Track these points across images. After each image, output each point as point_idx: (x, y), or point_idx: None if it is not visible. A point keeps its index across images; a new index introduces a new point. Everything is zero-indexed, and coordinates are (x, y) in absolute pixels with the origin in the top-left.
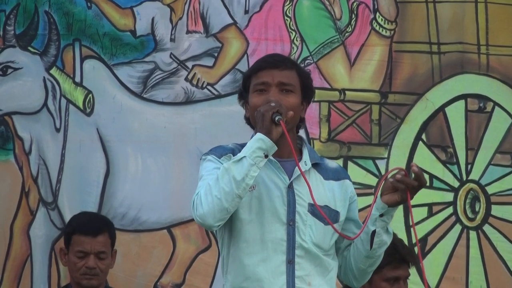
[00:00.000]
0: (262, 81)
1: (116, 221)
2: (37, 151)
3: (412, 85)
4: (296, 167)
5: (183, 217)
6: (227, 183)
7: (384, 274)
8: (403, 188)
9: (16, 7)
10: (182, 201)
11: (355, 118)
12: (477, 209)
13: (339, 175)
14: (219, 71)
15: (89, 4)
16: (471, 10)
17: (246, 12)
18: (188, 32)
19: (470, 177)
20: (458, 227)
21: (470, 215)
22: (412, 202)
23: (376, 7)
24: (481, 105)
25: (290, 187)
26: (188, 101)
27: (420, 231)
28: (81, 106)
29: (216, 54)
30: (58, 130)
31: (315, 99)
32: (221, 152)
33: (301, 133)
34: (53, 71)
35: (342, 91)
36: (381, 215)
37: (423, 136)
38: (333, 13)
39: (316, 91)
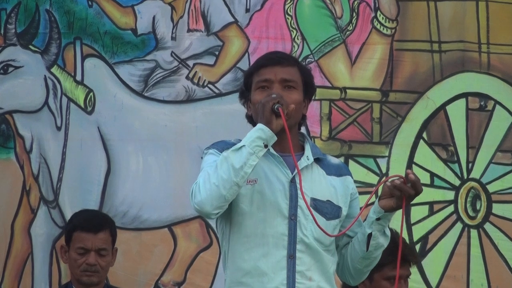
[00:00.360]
0: (265, 78)
1: (117, 219)
2: (38, 149)
3: (413, 83)
4: (298, 162)
5: (184, 216)
6: (226, 170)
7: (385, 272)
8: (399, 195)
9: (17, 5)
10: (183, 199)
11: (356, 116)
12: (478, 207)
13: (341, 171)
14: (220, 69)
15: (90, 3)
16: (472, 8)
17: (247, 10)
18: (189, 30)
19: (471, 176)
20: (459, 226)
21: (471, 213)
22: (413, 200)
23: (377, 5)
24: (482, 103)
25: (292, 182)
26: (189, 99)
27: (421, 229)
28: (82, 104)
29: (217, 53)
30: (59, 128)
31: (316, 98)
32: (222, 146)
33: (302, 131)
34: (54, 69)
35: (343, 89)
36: (377, 219)
37: (424, 135)
38: (334, 12)
39: (317, 89)
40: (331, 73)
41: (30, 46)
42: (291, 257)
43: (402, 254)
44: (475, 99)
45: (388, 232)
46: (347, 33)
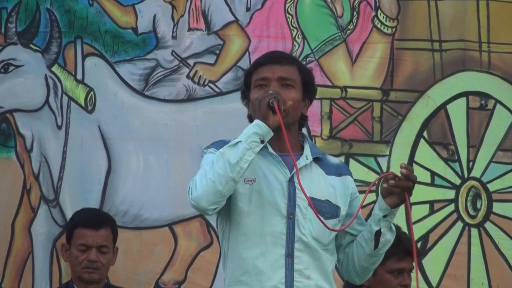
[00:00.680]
0: (263, 76)
1: (118, 218)
2: (38, 148)
3: (414, 82)
4: (297, 161)
5: (184, 215)
6: (222, 166)
7: (389, 266)
8: (399, 191)
9: (18, 4)
10: (184, 198)
11: (357, 115)
12: (478, 206)
13: (341, 171)
14: (221, 68)
15: (90, 2)
16: (473, 7)
17: (248, 9)
18: (189, 29)
19: (472, 175)
20: (459, 225)
21: (471, 212)
22: (414, 199)
23: (377, 4)
24: (483, 102)
25: (291, 181)
26: (190, 98)
27: (421, 228)
28: (82, 103)
29: (217, 52)
30: (59, 127)
31: (317, 97)
32: (222, 145)
33: (303, 130)
34: (55, 68)
35: (344, 88)
36: (384, 216)
37: (425, 134)
38: (334, 11)
39: (318, 88)
40: (332, 72)
41: (31, 45)
42: (289, 255)
43: (405, 246)
44: (475, 98)
45: (394, 228)
46: (348, 32)
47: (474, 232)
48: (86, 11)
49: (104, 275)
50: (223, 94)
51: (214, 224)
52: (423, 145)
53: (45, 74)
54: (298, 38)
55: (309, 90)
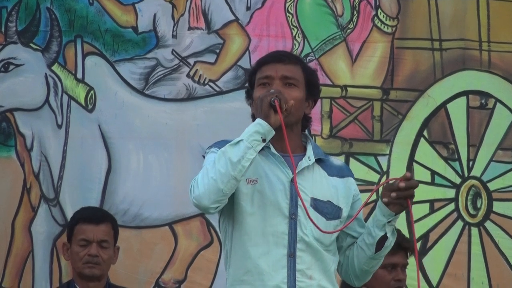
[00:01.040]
0: (266, 75)
1: (118, 217)
2: (38, 147)
3: (414, 81)
4: (300, 162)
5: (185, 214)
6: (223, 165)
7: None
8: (401, 202)
9: (18, 3)
10: (184, 197)
11: (357, 114)
12: (478, 205)
13: (343, 172)
14: (221, 67)
15: (91, 1)
16: (473, 6)
17: (248, 8)
18: (190, 28)
19: (472, 174)
20: (459, 224)
21: (471, 211)
22: (414, 198)
23: (377, 3)
24: (483, 101)
25: (293, 181)
26: (190, 97)
27: (421, 227)
28: (82, 102)
29: (218, 51)
30: (59, 126)
31: None
32: (224, 145)
33: None
34: (55, 67)
35: (344, 87)
36: (389, 221)
37: (425, 133)
38: (334, 10)
39: None
40: (332, 71)
41: (31, 44)
42: (291, 255)
43: (396, 242)
44: (475, 97)
45: (395, 231)
46: (348, 31)
47: (474, 231)
48: (86, 10)
49: (105, 271)
50: (223, 93)
51: (214, 223)
52: (423, 144)
53: (45, 73)
54: (298, 37)
55: (312, 90)
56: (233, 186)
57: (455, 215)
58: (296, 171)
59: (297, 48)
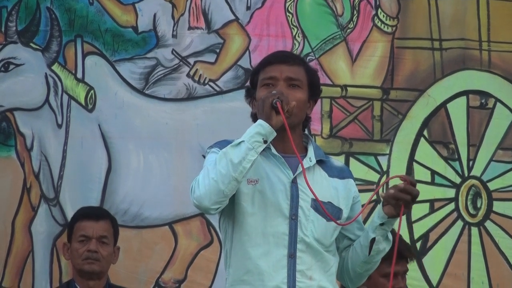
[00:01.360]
0: (270, 75)
1: (118, 217)
2: (38, 147)
3: (414, 81)
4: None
5: (185, 213)
6: (224, 166)
7: (382, 269)
8: (393, 203)
9: (18, 3)
10: (184, 197)
11: (357, 114)
12: (478, 205)
13: (344, 174)
14: (221, 67)
15: (91, 0)
16: (473, 6)
17: (248, 8)
18: (190, 28)
19: (472, 173)
20: (459, 223)
21: (471, 211)
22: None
23: (377, 3)
24: (483, 101)
25: (294, 182)
26: (190, 97)
27: (421, 227)
28: (83, 102)
29: (218, 50)
30: (60, 126)
31: None
32: (225, 145)
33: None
34: (55, 67)
35: (344, 87)
36: (381, 224)
37: (425, 132)
38: (335, 10)
39: None
40: (332, 71)
41: (31, 44)
42: (292, 256)
43: (398, 250)
44: (475, 97)
45: (390, 237)
46: (348, 30)
47: (474, 231)
48: (86, 10)
49: (105, 268)
50: (223, 92)
51: (214, 223)
52: (423, 144)
53: (45, 73)
54: (298, 36)
55: (314, 91)
56: (234, 187)
57: (455, 215)
58: (297, 172)
59: (297, 48)
